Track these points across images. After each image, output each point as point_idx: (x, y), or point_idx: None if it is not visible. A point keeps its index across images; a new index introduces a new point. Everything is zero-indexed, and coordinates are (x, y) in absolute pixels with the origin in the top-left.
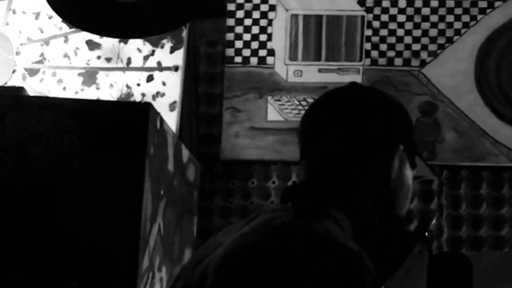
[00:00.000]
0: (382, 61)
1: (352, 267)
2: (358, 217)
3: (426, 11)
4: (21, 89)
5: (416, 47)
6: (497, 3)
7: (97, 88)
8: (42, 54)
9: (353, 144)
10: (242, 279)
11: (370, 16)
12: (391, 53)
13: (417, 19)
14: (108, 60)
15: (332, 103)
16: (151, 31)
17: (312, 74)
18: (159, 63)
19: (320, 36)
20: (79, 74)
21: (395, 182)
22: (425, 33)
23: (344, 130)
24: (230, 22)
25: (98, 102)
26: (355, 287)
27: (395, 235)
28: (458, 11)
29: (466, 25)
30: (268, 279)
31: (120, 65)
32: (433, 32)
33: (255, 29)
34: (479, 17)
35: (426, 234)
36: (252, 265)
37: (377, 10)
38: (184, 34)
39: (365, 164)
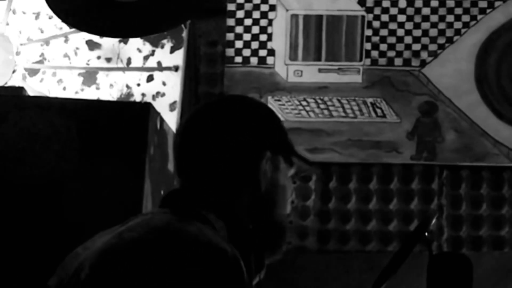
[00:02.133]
0: (382, 61)
1: (225, 266)
2: (232, 222)
3: (426, 11)
4: (21, 89)
5: (416, 47)
6: (497, 3)
7: (97, 88)
8: (42, 54)
9: (220, 156)
10: (115, 274)
11: (370, 16)
12: (391, 53)
13: (417, 19)
14: (108, 60)
15: (200, 118)
16: (151, 30)
17: (312, 74)
18: (159, 63)
19: (320, 36)
20: (79, 74)
21: (269, 187)
22: (425, 33)
23: (210, 143)
24: (230, 22)
25: (98, 102)
26: (226, 285)
27: (272, 238)
28: (458, 11)
29: (466, 25)
30: (141, 275)
31: (120, 65)
32: (433, 32)
33: (255, 29)
34: (479, 17)
35: (426, 234)
36: (126, 261)
37: (377, 10)
38: (184, 34)
39: (233, 173)
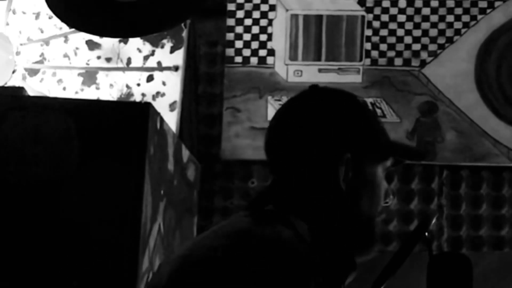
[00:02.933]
0: (382, 61)
1: (297, 267)
2: (315, 223)
3: (426, 11)
4: (21, 89)
5: (416, 47)
6: (497, 3)
7: (97, 88)
8: (42, 54)
9: (299, 157)
10: (191, 282)
11: (370, 16)
12: (391, 53)
13: (417, 19)
14: (108, 60)
15: (286, 113)
16: (150, 30)
17: (312, 74)
18: (159, 63)
19: (320, 36)
20: (79, 74)
21: (352, 187)
22: (425, 33)
23: (292, 144)
24: (230, 22)
25: (98, 102)
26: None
27: (360, 237)
28: (458, 11)
29: (466, 25)
30: (215, 283)
31: (120, 65)
32: (433, 32)
33: (255, 29)
34: (479, 17)
35: (426, 234)
36: (201, 269)
37: (377, 10)
38: (184, 34)
39: (311, 175)
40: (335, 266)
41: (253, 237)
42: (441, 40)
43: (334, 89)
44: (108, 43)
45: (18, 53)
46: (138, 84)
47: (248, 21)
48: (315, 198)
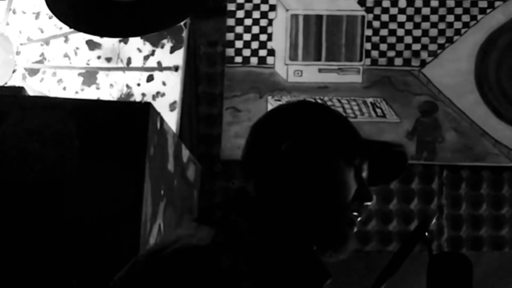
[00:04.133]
0: (382, 61)
1: (194, 263)
2: (255, 220)
3: (426, 11)
4: (21, 89)
5: (416, 47)
6: (497, 3)
7: (97, 88)
8: (42, 54)
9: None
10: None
11: (370, 16)
12: (391, 53)
13: (417, 19)
14: (108, 60)
15: (269, 123)
16: (150, 29)
17: (312, 74)
18: (159, 63)
19: (320, 36)
20: (79, 74)
21: (331, 185)
22: (425, 33)
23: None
24: (230, 22)
25: (98, 102)
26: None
27: (322, 234)
28: (458, 11)
29: (466, 25)
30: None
31: (120, 65)
32: (433, 32)
33: (255, 29)
34: (479, 17)
35: (426, 234)
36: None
37: (377, 10)
38: (184, 34)
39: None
40: (294, 267)
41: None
42: (441, 40)
43: (303, 102)
44: (108, 43)
45: (18, 53)
46: (138, 84)
47: (248, 21)
48: (260, 194)
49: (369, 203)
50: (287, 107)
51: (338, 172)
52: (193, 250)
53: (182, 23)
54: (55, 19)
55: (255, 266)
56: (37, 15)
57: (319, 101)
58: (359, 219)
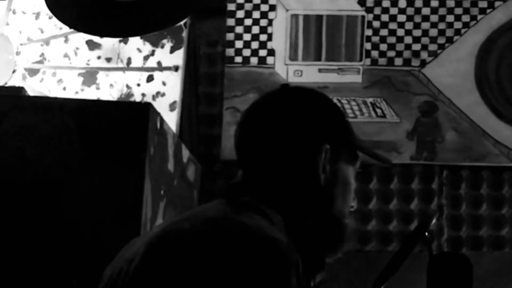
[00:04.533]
0: (382, 61)
1: (277, 256)
2: (291, 217)
3: (426, 11)
4: (21, 89)
5: (416, 47)
6: (497, 3)
7: (97, 88)
8: (42, 54)
9: (280, 147)
10: (165, 264)
11: (370, 16)
12: (391, 53)
13: (417, 19)
14: (108, 60)
15: (260, 108)
16: (150, 29)
17: (312, 74)
18: (159, 63)
19: (320, 36)
20: (79, 74)
21: (328, 181)
22: (425, 33)
23: (270, 134)
24: (230, 22)
25: (98, 102)
26: (278, 276)
27: (330, 236)
28: (458, 11)
29: (466, 25)
30: (190, 266)
31: (120, 65)
32: (433, 32)
33: (255, 29)
34: (479, 17)
35: (426, 234)
36: (178, 250)
37: (377, 10)
38: (184, 34)
39: (292, 165)
40: (306, 262)
41: (233, 224)
42: (441, 40)
43: (306, 87)
44: (108, 43)
45: (18, 53)
46: (138, 84)
47: (248, 21)
48: (293, 191)
49: (353, 205)
50: (282, 93)
51: (351, 175)
52: (280, 243)
53: (182, 23)
54: (55, 19)
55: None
56: (37, 15)
57: None
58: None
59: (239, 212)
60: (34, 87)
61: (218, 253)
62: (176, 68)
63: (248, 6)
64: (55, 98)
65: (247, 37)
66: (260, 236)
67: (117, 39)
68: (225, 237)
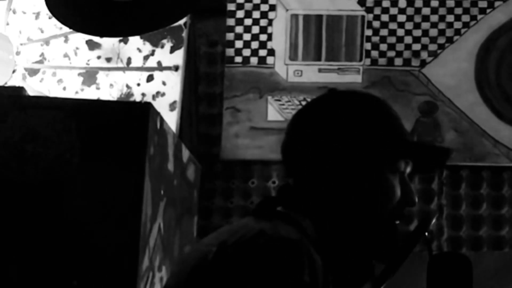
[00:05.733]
0: (382, 61)
1: (289, 254)
2: (320, 220)
3: (426, 11)
4: (21, 89)
5: (416, 47)
6: (497, 3)
7: (97, 88)
8: (42, 54)
9: (321, 156)
10: (205, 280)
11: (370, 16)
12: (391, 53)
13: (417, 19)
14: (108, 60)
15: (307, 114)
16: (149, 28)
17: (312, 74)
18: (159, 63)
19: (320, 36)
20: (79, 74)
21: (369, 189)
22: (425, 33)
23: (314, 143)
24: (230, 22)
25: (98, 102)
26: (291, 274)
27: (376, 238)
28: (458, 11)
29: (466, 25)
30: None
31: (120, 65)
32: (433, 32)
33: (255, 29)
34: (479, 17)
35: (426, 234)
36: (214, 267)
37: (377, 10)
38: (184, 34)
39: (332, 174)
40: (348, 267)
41: (251, 232)
42: (441, 40)
43: (354, 92)
44: (108, 43)
45: (18, 53)
46: (138, 84)
47: (248, 21)
48: (329, 197)
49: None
50: (330, 98)
51: (384, 177)
52: (290, 241)
53: (182, 23)
54: (55, 19)
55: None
56: (37, 15)
57: None
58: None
59: (261, 220)
60: (34, 87)
61: (237, 261)
62: (176, 68)
63: (248, 6)
64: (55, 98)
65: (247, 37)
66: (274, 238)
67: (117, 39)
68: (245, 247)
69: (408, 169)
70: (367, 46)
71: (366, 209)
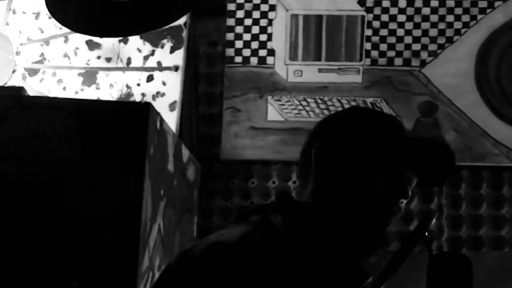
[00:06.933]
0: (382, 61)
1: (218, 259)
2: (290, 215)
3: (426, 11)
4: (21, 89)
5: (416, 47)
6: (497, 3)
7: (97, 88)
8: (42, 54)
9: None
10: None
11: (370, 16)
12: (391, 53)
13: (417, 19)
14: (108, 60)
15: (327, 124)
16: (149, 27)
17: (312, 74)
18: (159, 63)
19: (320, 36)
20: (79, 74)
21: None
22: (425, 33)
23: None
24: (230, 22)
25: (98, 102)
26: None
27: (364, 241)
28: (458, 11)
29: (466, 25)
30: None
31: (120, 65)
32: (433, 32)
33: (255, 29)
34: (479, 17)
35: (426, 234)
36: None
37: (377, 10)
38: (184, 34)
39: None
40: (324, 262)
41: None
42: (441, 40)
43: (372, 111)
44: (108, 43)
45: (18, 53)
46: (138, 84)
47: (248, 21)
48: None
49: (404, 200)
50: (337, 114)
51: (371, 173)
52: (220, 246)
53: (182, 23)
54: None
55: (287, 263)
56: (37, 15)
57: (319, 101)
58: (393, 217)
59: (239, 225)
60: (34, 87)
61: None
62: (176, 68)
63: (248, 6)
64: (55, 98)
65: (247, 37)
66: (211, 244)
67: (117, 39)
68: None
69: (413, 184)
70: (367, 46)
71: (339, 203)
